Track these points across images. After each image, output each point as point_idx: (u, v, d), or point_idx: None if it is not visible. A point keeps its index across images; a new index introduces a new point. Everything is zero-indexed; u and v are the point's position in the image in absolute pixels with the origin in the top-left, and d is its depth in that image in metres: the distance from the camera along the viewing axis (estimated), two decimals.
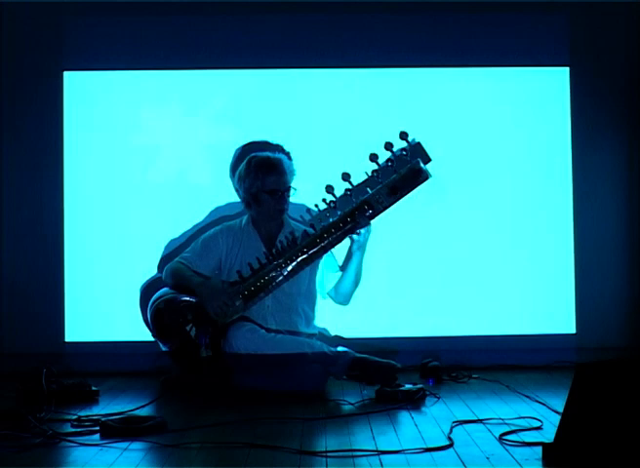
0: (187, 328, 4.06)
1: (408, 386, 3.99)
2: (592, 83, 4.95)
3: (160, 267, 4.71)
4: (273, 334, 4.11)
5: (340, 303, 4.40)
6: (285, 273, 4.07)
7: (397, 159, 4.01)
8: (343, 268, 4.33)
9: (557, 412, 3.54)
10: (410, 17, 4.91)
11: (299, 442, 3.22)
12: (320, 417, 3.63)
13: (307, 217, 4.12)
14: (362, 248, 4.22)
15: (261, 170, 4.24)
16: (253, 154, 4.34)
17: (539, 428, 3.38)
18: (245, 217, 4.35)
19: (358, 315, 4.81)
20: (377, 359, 4.14)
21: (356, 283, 4.32)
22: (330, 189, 4.04)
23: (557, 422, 2.93)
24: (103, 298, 4.84)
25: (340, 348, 4.16)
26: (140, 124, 4.89)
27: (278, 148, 4.67)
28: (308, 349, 4.08)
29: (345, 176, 4.00)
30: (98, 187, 4.88)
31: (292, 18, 4.90)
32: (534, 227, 4.93)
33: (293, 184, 4.31)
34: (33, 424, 3.35)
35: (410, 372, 4.45)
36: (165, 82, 4.90)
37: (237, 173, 4.34)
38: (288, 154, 4.61)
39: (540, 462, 2.90)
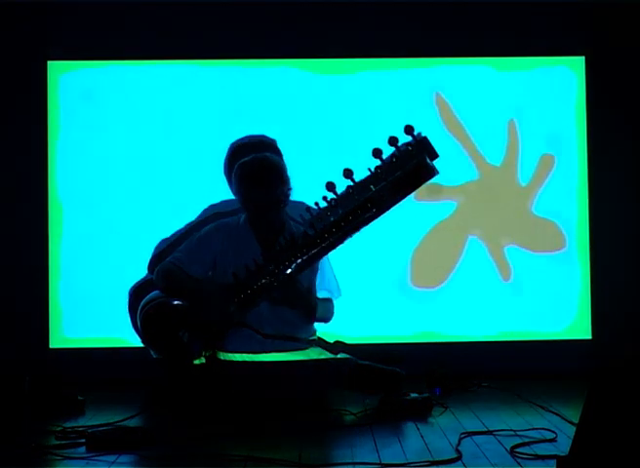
0: (179, 334, 4.05)
1: (413, 395, 3.99)
2: (608, 72, 4.95)
3: (150, 268, 4.71)
4: (270, 340, 4.11)
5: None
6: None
7: (402, 154, 3.98)
8: None
9: (572, 423, 3.54)
10: (418, 5, 4.91)
11: (297, 454, 3.21)
12: (320, 428, 3.63)
13: (307, 217, 4.09)
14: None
15: (248, 183, 4.17)
16: (244, 160, 4.23)
17: (552, 440, 3.38)
18: (243, 216, 4.33)
19: (361, 320, 4.82)
20: (380, 366, 4.14)
21: (322, 317, 4.28)
22: (331, 186, 4.02)
23: (572, 434, 2.93)
24: (90, 302, 4.84)
25: (341, 355, 4.15)
26: (128, 116, 4.89)
27: (272, 146, 4.65)
28: (308, 356, 4.08)
29: (347, 173, 3.98)
30: (83, 183, 4.88)
31: (292, 6, 4.90)
32: (548, 229, 4.92)
33: (291, 183, 4.27)
34: (15, 436, 3.35)
35: (415, 381, 4.44)
36: (154, 73, 4.90)
37: (231, 176, 4.31)
38: (281, 154, 4.56)
39: None
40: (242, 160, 4.25)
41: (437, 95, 4.92)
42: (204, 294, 4.08)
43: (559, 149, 4.95)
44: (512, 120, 4.92)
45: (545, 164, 4.94)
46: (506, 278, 4.91)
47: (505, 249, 4.91)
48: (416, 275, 4.90)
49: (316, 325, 4.34)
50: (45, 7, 4.87)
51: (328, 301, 4.27)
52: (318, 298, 4.22)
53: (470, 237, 4.91)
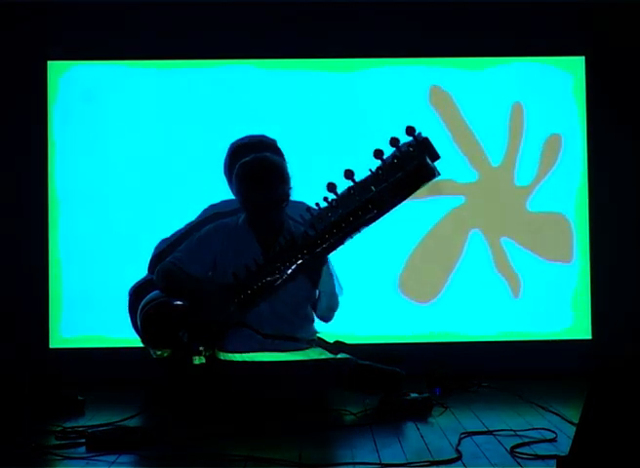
0: (179, 334, 4.05)
1: (413, 395, 3.99)
2: (608, 72, 4.95)
3: (150, 268, 4.71)
4: (271, 340, 4.11)
5: (320, 318, 4.37)
6: (284, 276, 4.05)
7: (403, 155, 3.97)
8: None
9: (572, 423, 3.54)
10: (418, 5, 4.91)
11: (297, 454, 3.22)
12: (320, 428, 3.63)
13: (307, 217, 4.09)
14: (316, 280, 4.13)
15: (248, 183, 4.17)
16: (244, 160, 4.24)
17: (552, 440, 3.38)
18: (242, 216, 4.33)
19: (361, 320, 4.82)
20: (380, 366, 4.14)
21: (329, 306, 4.28)
22: (331, 187, 4.01)
23: (572, 434, 2.93)
24: (90, 302, 4.84)
25: (341, 355, 4.15)
26: (128, 116, 4.89)
27: (272, 146, 4.65)
28: (308, 356, 4.08)
29: (348, 174, 3.98)
30: (82, 183, 4.88)
31: (292, 6, 4.90)
32: (548, 228, 4.93)
33: (291, 183, 4.27)
34: (15, 436, 3.35)
35: (415, 381, 4.44)
36: (154, 73, 4.89)
37: (231, 176, 4.31)
38: (282, 154, 4.58)
39: None
40: (242, 160, 4.25)
41: (437, 95, 4.92)
42: (204, 294, 4.08)
43: (559, 149, 4.95)
44: (513, 118, 4.93)
45: (545, 163, 4.94)
46: (516, 294, 4.92)
47: (507, 251, 4.92)
48: (416, 275, 4.90)
49: (316, 325, 4.34)
50: (45, 7, 4.87)
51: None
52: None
53: (470, 237, 4.91)
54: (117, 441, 3.34)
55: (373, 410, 3.95)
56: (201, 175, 4.87)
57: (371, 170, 3.96)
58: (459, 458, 3.14)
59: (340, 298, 4.31)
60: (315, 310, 4.28)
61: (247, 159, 4.24)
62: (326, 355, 4.12)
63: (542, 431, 3.50)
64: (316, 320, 4.34)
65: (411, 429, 3.66)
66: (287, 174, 4.20)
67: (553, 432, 3.47)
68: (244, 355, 4.07)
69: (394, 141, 3.92)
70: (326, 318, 4.30)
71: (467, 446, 3.32)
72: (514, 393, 4.28)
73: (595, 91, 4.94)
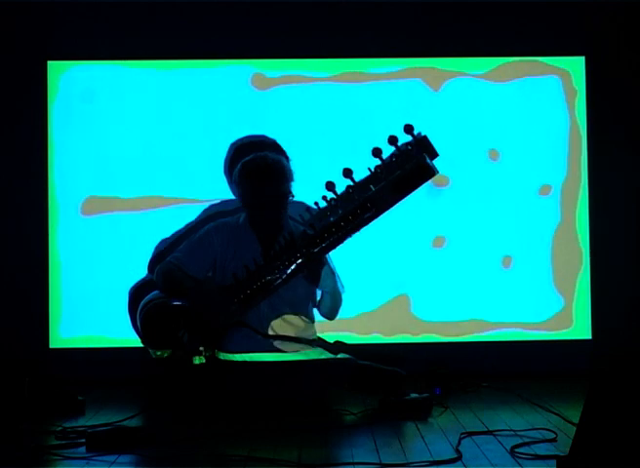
0: (179, 334, 4.05)
1: (413, 395, 3.99)
2: (608, 72, 4.95)
3: (150, 268, 4.71)
4: (271, 340, 4.10)
5: (325, 317, 4.37)
6: (283, 276, 4.05)
7: (402, 154, 3.97)
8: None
9: (572, 424, 3.53)
10: (419, 5, 4.91)
11: (297, 454, 3.21)
12: (320, 428, 3.62)
13: (307, 216, 4.09)
14: (314, 281, 4.15)
15: (255, 179, 4.17)
16: (247, 159, 4.25)
17: (553, 440, 3.38)
18: (243, 215, 4.33)
19: (361, 320, 4.82)
20: (380, 366, 4.14)
21: (333, 305, 4.29)
22: (330, 186, 4.01)
23: (572, 434, 2.92)
24: (90, 302, 4.84)
25: (341, 355, 4.15)
26: (128, 116, 4.89)
27: (273, 146, 4.66)
28: (308, 356, 4.08)
29: (347, 173, 3.98)
30: (83, 183, 4.88)
31: (293, 6, 4.90)
32: (548, 230, 4.92)
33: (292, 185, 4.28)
34: (15, 437, 3.35)
35: (415, 381, 4.44)
36: (154, 73, 4.90)
37: (233, 175, 4.31)
38: (284, 153, 4.59)
39: None
40: (244, 159, 4.26)
41: (437, 94, 4.92)
42: (204, 294, 4.08)
43: (559, 149, 4.94)
44: (513, 118, 4.93)
45: (545, 163, 4.94)
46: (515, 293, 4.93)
47: (507, 251, 4.92)
48: (417, 275, 4.90)
49: (314, 327, 4.34)
50: (45, 7, 4.87)
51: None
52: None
53: (471, 236, 4.91)
54: (117, 441, 3.34)
55: (373, 410, 3.95)
56: (201, 175, 4.87)
57: (370, 169, 3.97)
58: (459, 458, 3.14)
59: (342, 296, 4.31)
60: (319, 309, 4.28)
61: (249, 158, 4.24)
62: (326, 355, 4.12)
63: (542, 431, 3.50)
64: (317, 319, 4.34)
65: (411, 429, 3.66)
66: (289, 171, 4.21)
67: (553, 432, 3.47)
68: (244, 355, 4.07)
69: (393, 140, 3.91)
70: (330, 316, 4.30)
71: (467, 446, 3.31)
72: (514, 393, 4.28)
73: (595, 91, 4.94)
